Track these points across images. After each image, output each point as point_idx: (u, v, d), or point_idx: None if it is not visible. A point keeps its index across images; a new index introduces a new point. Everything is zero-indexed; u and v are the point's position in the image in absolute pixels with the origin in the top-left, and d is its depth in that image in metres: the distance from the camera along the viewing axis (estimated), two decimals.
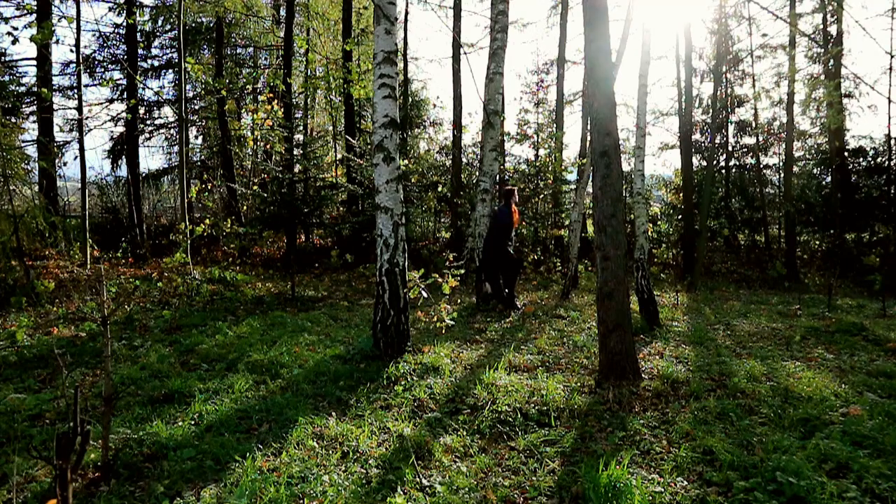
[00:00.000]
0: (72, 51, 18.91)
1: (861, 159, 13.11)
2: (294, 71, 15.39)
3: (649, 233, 13.78)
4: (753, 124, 15.45)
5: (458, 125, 13.59)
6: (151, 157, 65.07)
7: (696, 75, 15.27)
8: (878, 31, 24.72)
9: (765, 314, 7.74)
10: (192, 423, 3.63)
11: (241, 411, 3.83)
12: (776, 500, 2.64)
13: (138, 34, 15.04)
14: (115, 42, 16.18)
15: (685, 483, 2.87)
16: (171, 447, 3.21)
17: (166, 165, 17.75)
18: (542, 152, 15.50)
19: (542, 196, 14.62)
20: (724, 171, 15.64)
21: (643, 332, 6.27)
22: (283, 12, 16.73)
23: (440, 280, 5.39)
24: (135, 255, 11.69)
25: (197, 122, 18.29)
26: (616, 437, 3.40)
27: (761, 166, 15.37)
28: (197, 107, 17.89)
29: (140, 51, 15.72)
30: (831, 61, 12.99)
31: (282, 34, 16.24)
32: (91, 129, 16.59)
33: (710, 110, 14.15)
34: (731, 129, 15.60)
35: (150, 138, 17.60)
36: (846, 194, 12.99)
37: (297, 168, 12.03)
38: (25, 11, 13.24)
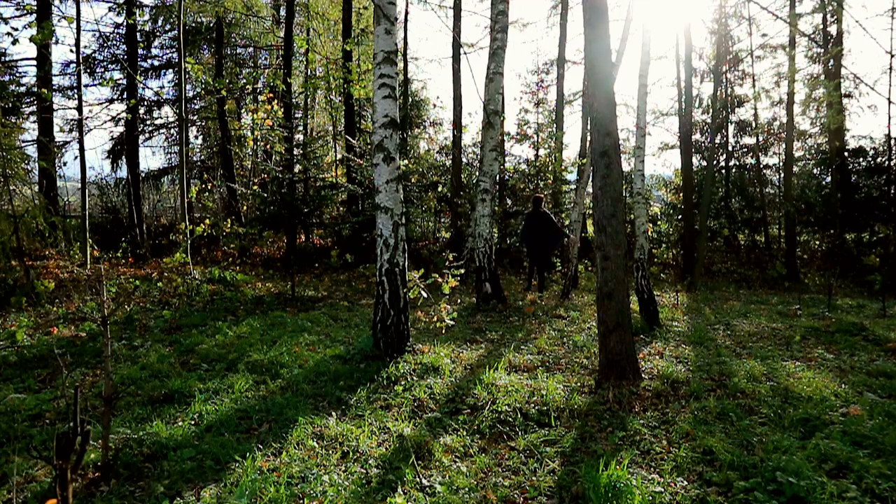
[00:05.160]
0: (72, 51, 18.89)
1: (861, 159, 13.12)
2: (294, 71, 15.39)
3: (649, 233, 13.79)
4: (753, 124, 15.45)
5: (458, 125, 13.59)
6: (151, 157, 65.21)
7: (696, 75, 15.28)
8: (878, 31, 24.68)
9: (765, 314, 7.74)
10: (192, 423, 3.63)
11: (241, 411, 3.83)
12: (776, 500, 2.64)
13: (138, 34, 15.03)
14: (115, 42, 16.18)
15: (685, 483, 2.87)
16: (171, 447, 3.21)
17: (166, 165, 17.76)
18: (542, 152, 15.52)
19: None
20: (724, 171, 15.64)
21: (643, 332, 6.27)
22: (283, 12, 16.73)
23: (440, 280, 5.39)
24: (135, 255, 11.69)
25: (197, 122, 18.29)
26: (616, 437, 3.40)
27: (761, 166, 15.38)
28: (197, 107, 17.89)
29: (140, 51, 15.71)
30: (831, 61, 12.99)
31: (282, 34, 16.24)
32: (91, 129, 16.61)
33: (710, 110, 14.16)
34: (731, 129, 15.61)
35: (150, 138, 17.61)
36: (846, 194, 12.99)
37: (297, 168, 12.04)
38: (25, 11, 13.24)
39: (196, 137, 19.02)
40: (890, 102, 12.25)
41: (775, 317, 7.54)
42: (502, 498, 2.77)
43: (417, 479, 2.90)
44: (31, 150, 13.27)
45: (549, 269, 9.51)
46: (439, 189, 14.28)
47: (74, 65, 14.14)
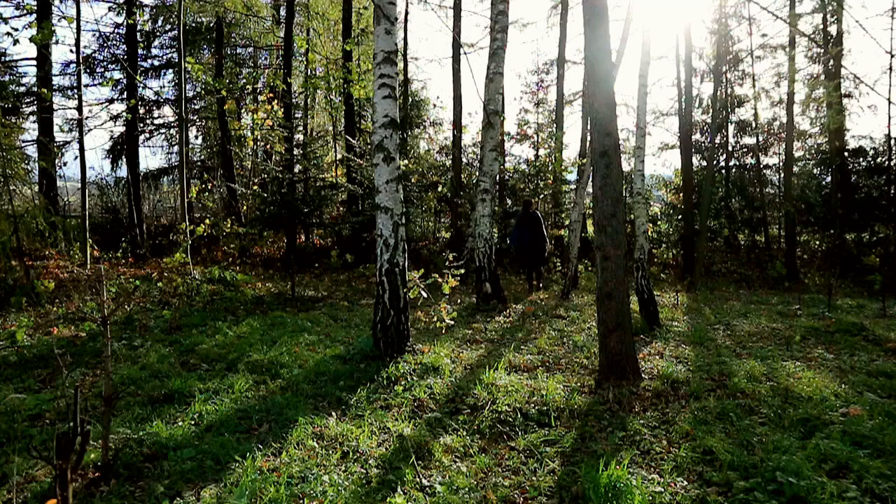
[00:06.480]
0: (72, 51, 18.88)
1: (861, 159, 13.11)
2: (294, 71, 15.38)
3: (649, 233, 13.79)
4: (753, 124, 15.45)
5: (458, 125, 13.59)
6: (151, 157, 65.16)
7: (696, 75, 15.28)
8: (878, 31, 24.70)
9: (765, 314, 7.73)
10: (192, 423, 3.63)
11: (241, 411, 3.83)
12: (776, 500, 2.64)
13: (138, 34, 15.02)
14: (115, 42, 16.17)
15: (685, 483, 2.87)
16: (171, 447, 3.21)
17: (166, 165, 17.74)
18: (542, 152, 15.51)
19: (542, 196, 14.63)
20: (724, 171, 15.64)
21: (643, 332, 6.27)
22: (283, 12, 16.71)
23: (440, 280, 5.39)
24: (135, 255, 11.69)
25: (197, 122, 18.28)
26: (616, 437, 3.40)
27: (761, 166, 15.37)
28: (197, 107, 17.88)
29: (140, 51, 15.70)
30: (831, 61, 12.99)
31: (282, 34, 16.24)
32: (91, 129, 16.59)
33: (710, 110, 14.16)
34: (731, 129, 15.60)
35: (150, 138, 17.59)
36: (846, 194, 12.98)
37: (297, 168, 12.04)
38: (25, 11, 13.22)
39: (196, 137, 19.01)
40: (890, 102, 12.24)
41: (775, 317, 7.54)
42: (502, 498, 2.77)
43: (417, 479, 2.90)
44: (31, 150, 13.26)
45: (545, 266, 9.83)
46: (439, 189, 14.27)
47: (74, 65, 14.14)
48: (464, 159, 14.82)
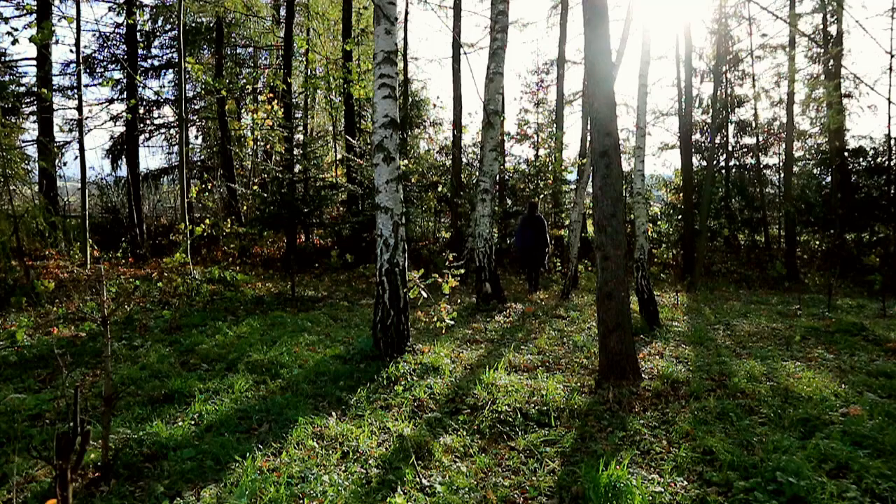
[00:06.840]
0: (72, 51, 18.90)
1: (861, 159, 13.11)
2: (294, 71, 15.38)
3: (649, 233, 13.78)
4: (753, 124, 15.45)
5: (458, 125, 13.59)
6: (151, 157, 65.13)
7: (696, 75, 15.28)
8: (878, 31, 24.75)
9: (765, 314, 7.73)
10: (192, 423, 3.63)
11: (241, 411, 3.83)
12: (776, 500, 2.64)
13: (138, 34, 15.02)
14: (115, 42, 16.18)
15: (685, 483, 2.87)
16: (171, 447, 3.21)
17: (166, 165, 17.76)
18: (542, 152, 15.52)
19: (542, 196, 14.63)
20: (724, 171, 15.64)
21: (643, 332, 6.27)
22: (283, 12, 16.72)
23: (440, 280, 5.39)
24: (135, 255, 11.69)
25: (197, 122, 18.28)
26: (616, 437, 3.40)
27: (761, 166, 15.38)
28: (197, 107, 17.88)
29: (140, 51, 15.70)
30: (831, 61, 12.99)
31: (282, 34, 16.24)
32: (91, 129, 16.60)
33: (710, 110, 14.16)
34: (731, 129, 15.61)
35: (150, 138, 17.59)
36: (846, 194, 12.99)
37: (297, 168, 12.04)
38: (25, 11, 13.23)
39: (196, 137, 19.02)
40: (890, 102, 12.24)
41: (775, 317, 7.54)
42: (502, 498, 2.77)
43: (417, 479, 2.90)
44: (31, 150, 13.26)
45: (545, 267, 10.12)
46: (439, 189, 14.28)
47: (74, 65, 14.13)
48: (464, 159, 14.83)
